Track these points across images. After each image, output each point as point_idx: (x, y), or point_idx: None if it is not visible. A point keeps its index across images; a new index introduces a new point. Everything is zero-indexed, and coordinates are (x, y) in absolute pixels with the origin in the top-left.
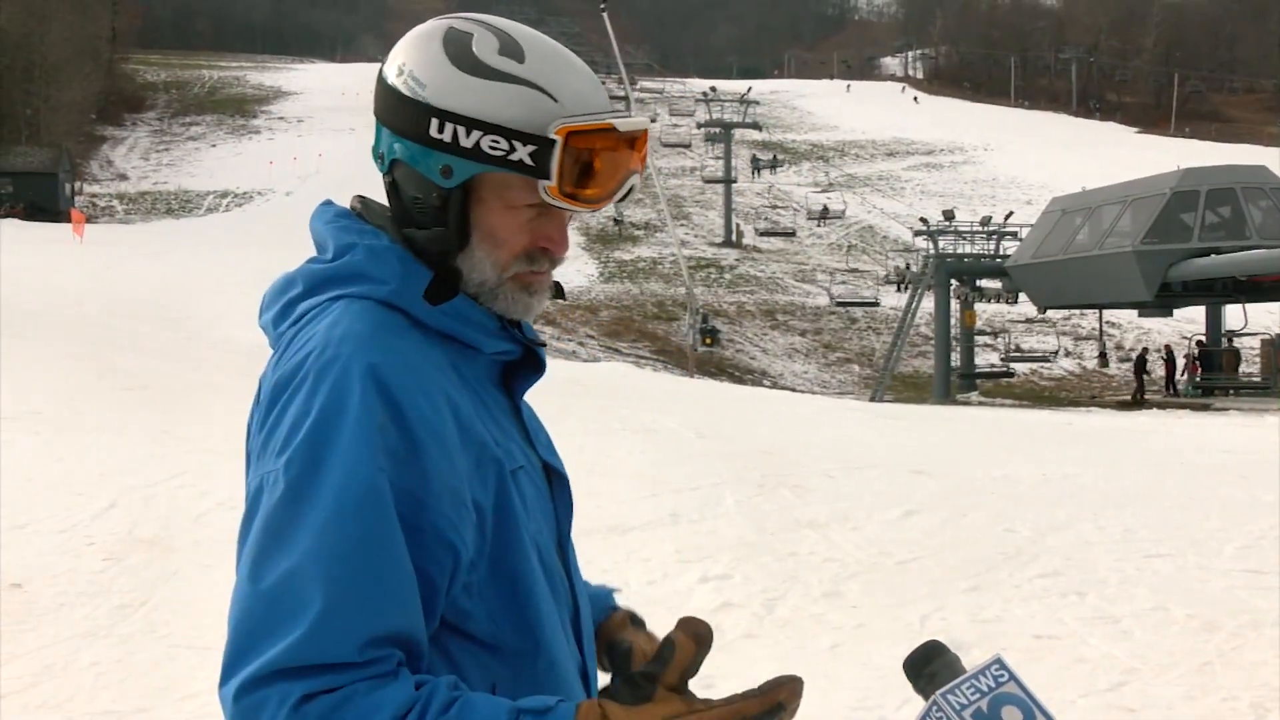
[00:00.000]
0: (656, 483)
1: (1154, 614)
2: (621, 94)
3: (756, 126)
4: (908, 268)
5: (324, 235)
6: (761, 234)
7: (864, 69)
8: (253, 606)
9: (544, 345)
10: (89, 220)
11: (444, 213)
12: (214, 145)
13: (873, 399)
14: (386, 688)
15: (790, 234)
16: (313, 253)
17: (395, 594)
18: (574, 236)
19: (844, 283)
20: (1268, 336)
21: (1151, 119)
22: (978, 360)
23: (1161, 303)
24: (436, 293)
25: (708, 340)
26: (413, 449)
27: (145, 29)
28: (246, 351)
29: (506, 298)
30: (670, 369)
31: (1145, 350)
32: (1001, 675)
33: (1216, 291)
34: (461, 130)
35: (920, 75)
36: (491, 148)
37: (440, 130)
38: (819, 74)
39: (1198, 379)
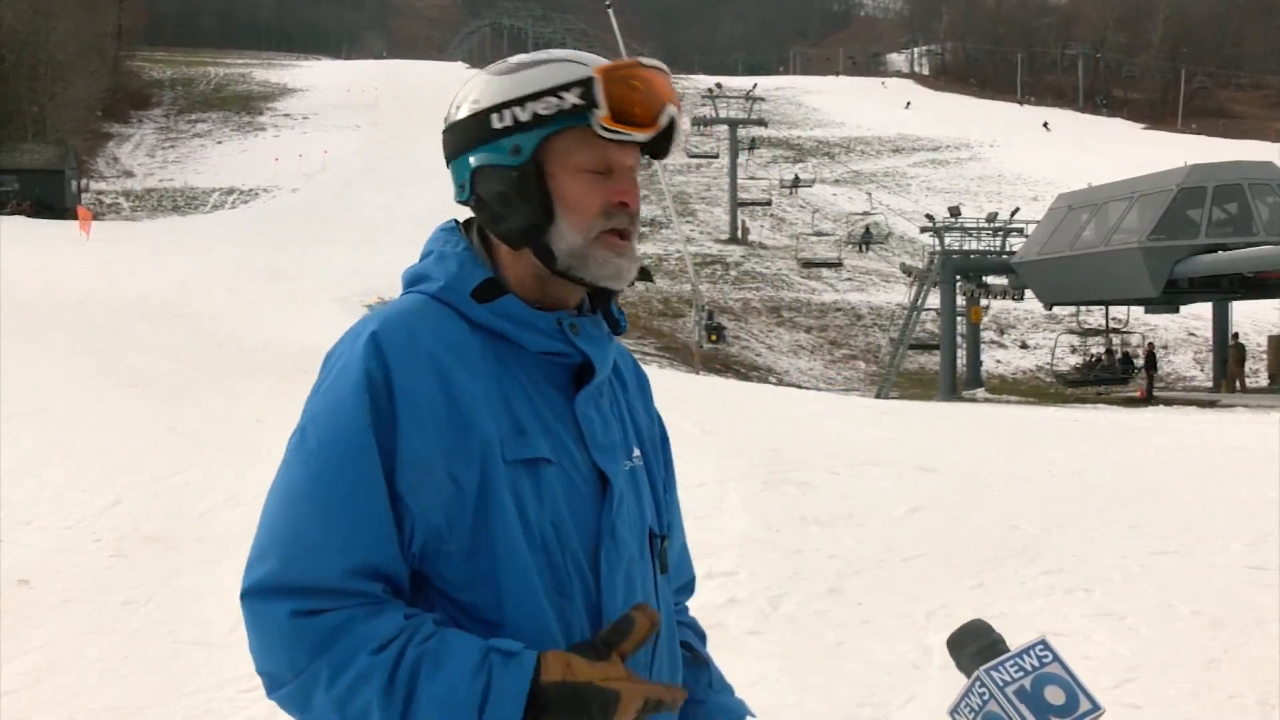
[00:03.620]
0: None
1: (1159, 611)
2: None
3: (763, 123)
4: (913, 269)
5: (426, 242)
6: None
7: (870, 65)
8: (260, 529)
9: (608, 349)
10: (95, 217)
11: (525, 188)
12: (220, 142)
13: (878, 395)
14: (380, 616)
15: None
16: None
17: (373, 532)
18: None
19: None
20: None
21: (1158, 115)
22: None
23: (1168, 299)
24: (483, 292)
25: (713, 337)
26: (392, 411)
27: (151, 26)
28: (252, 348)
29: (596, 262)
30: (676, 366)
31: (1153, 346)
32: (1045, 655)
33: (1223, 288)
34: (517, 109)
35: (926, 71)
36: (545, 109)
37: (500, 120)
38: (824, 71)
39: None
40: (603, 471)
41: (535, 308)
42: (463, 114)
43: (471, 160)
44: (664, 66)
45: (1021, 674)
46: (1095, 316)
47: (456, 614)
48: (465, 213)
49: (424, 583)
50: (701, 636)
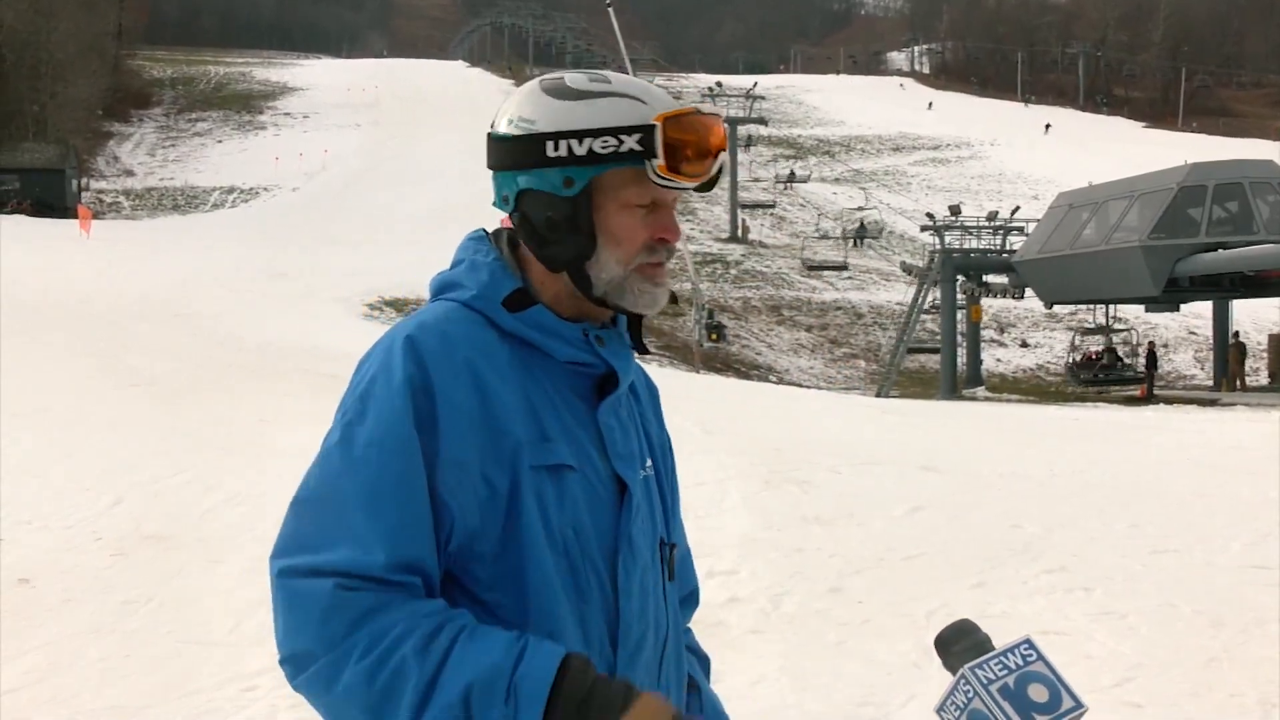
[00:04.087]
0: None
1: (1160, 610)
2: None
3: (763, 122)
4: (913, 268)
5: (456, 251)
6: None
7: (870, 64)
8: (295, 520)
9: (630, 361)
10: (95, 216)
11: (574, 220)
12: (220, 141)
13: (879, 394)
14: (420, 600)
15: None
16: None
17: (417, 528)
18: None
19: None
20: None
21: (1159, 114)
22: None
23: (1168, 298)
24: (514, 301)
25: (713, 336)
26: (433, 414)
27: (152, 25)
28: (253, 348)
29: (634, 290)
30: (676, 365)
31: (1153, 345)
32: (1030, 654)
33: (1223, 287)
34: (574, 142)
35: (927, 70)
36: (603, 147)
37: (555, 149)
38: (825, 70)
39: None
40: (622, 479)
41: (563, 319)
42: (515, 131)
43: (520, 181)
44: (719, 112)
45: (1006, 672)
46: (1096, 315)
47: (480, 613)
48: (489, 216)
49: (452, 582)
50: (705, 664)
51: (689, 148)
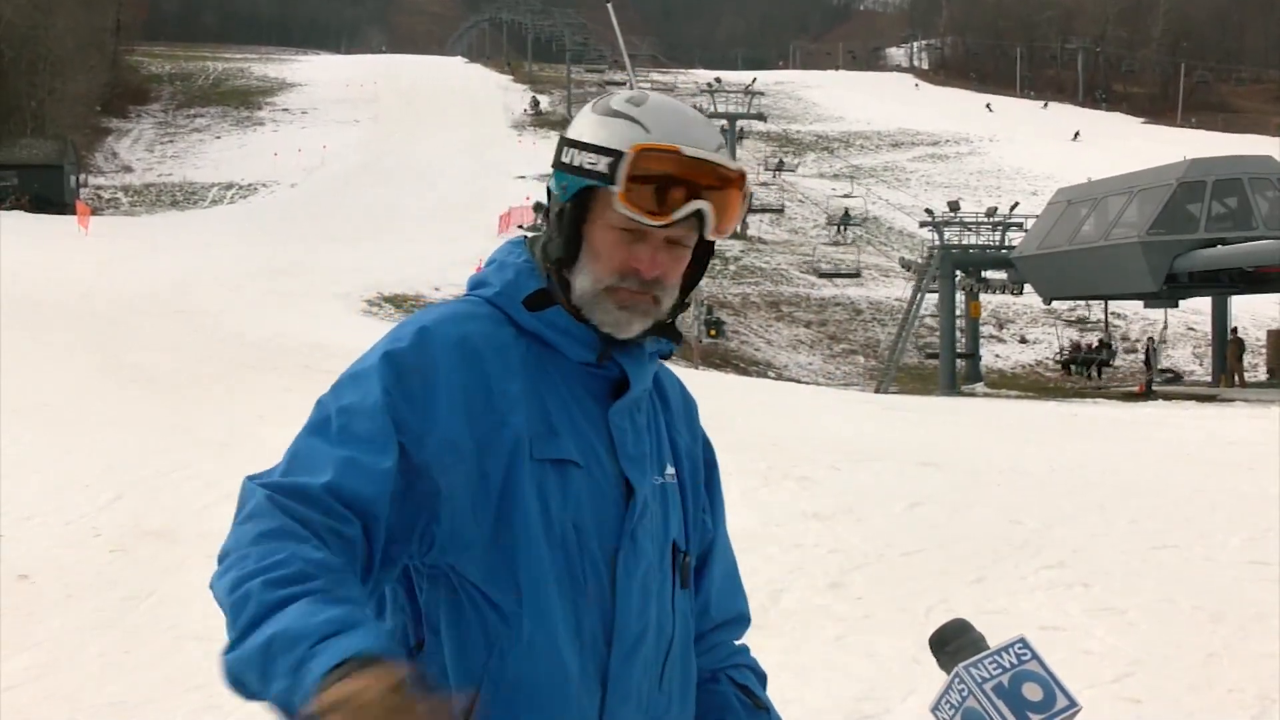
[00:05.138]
0: None
1: (1160, 606)
2: (626, 85)
3: (761, 118)
4: (912, 264)
5: (491, 253)
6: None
7: (870, 60)
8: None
9: (647, 366)
10: (94, 212)
11: (560, 225)
12: (219, 137)
13: (878, 390)
14: (321, 550)
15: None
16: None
17: (370, 472)
18: None
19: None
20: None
21: (1158, 109)
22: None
23: (1168, 294)
24: (534, 301)
25: (712, 332)
26: (429, 395)
27: (150, 21)
28: (252, 343)
29: (602, 309)
30: (675, 361)
31: (1152, 341)
32: (1024, 653)
33: (1223, 283)
34: (576, 152)
35: (926, 66)
36: (588, 164)
37: (565, 155)
38: (824, 65)
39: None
40: (629, 480)
41: (583, 322)
42: (567, 133)
43: (552, 178)
44: (723, 161)
45: (1000, 671)
46: (1094, 311)
47: (480, 600)
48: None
49: (446, 573)
50: (762, 679)
51: (655, 184)
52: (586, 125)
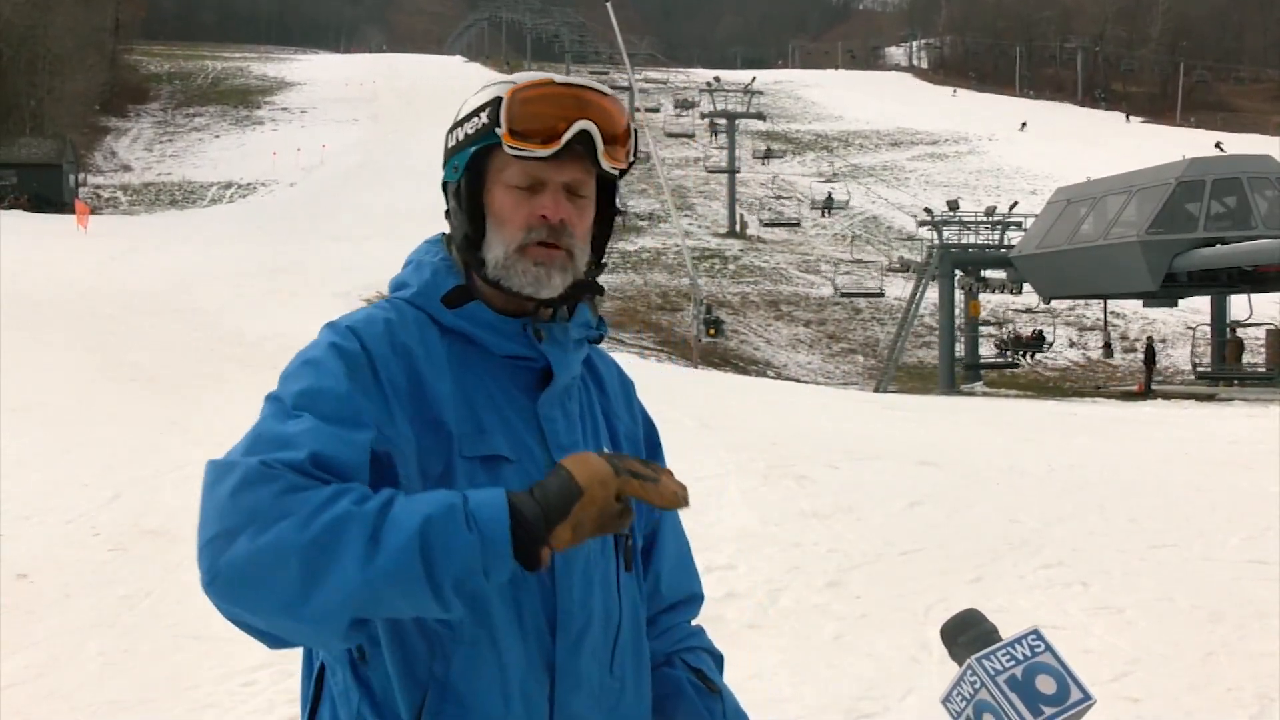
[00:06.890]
0: None
1: (1158, 604)
2: (625, 85)
3: (760, 116)
4: (910, 264)
5: (409, 254)
6: (766, 224)
7: (869, 59)
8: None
9: (572, 353)
10: (93, 211)
11: (459, 204)
12: (217, 136)
13: (877, 390)
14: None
15: (795, 224)
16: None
17: (344, 441)
18: None
19: (848, 273)
20: (1273, 326)
21: (1157, 109)
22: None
23: (1166, 293)
24: (453, 298)
25: (712, 331)
26: (379, 388)
27: (149, 20)
28: (252, 342)
29: (518, 272)
30: (674, 360)
31: (1152, 340)
32: (1038, 645)
33: (1222, 282)
34: (459, 130)
35: (925, 65)
36: (471, 129)
37: (449, 142)
38: (823, 64)
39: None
40: None
41: (505, 314)
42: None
43: (443, 175)
44: (595, 85)
45: (1013, 663)
46: (1094, 310)
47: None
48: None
49: None
50: (719, 661)
51: (535, 116)
52: (462, 108)
